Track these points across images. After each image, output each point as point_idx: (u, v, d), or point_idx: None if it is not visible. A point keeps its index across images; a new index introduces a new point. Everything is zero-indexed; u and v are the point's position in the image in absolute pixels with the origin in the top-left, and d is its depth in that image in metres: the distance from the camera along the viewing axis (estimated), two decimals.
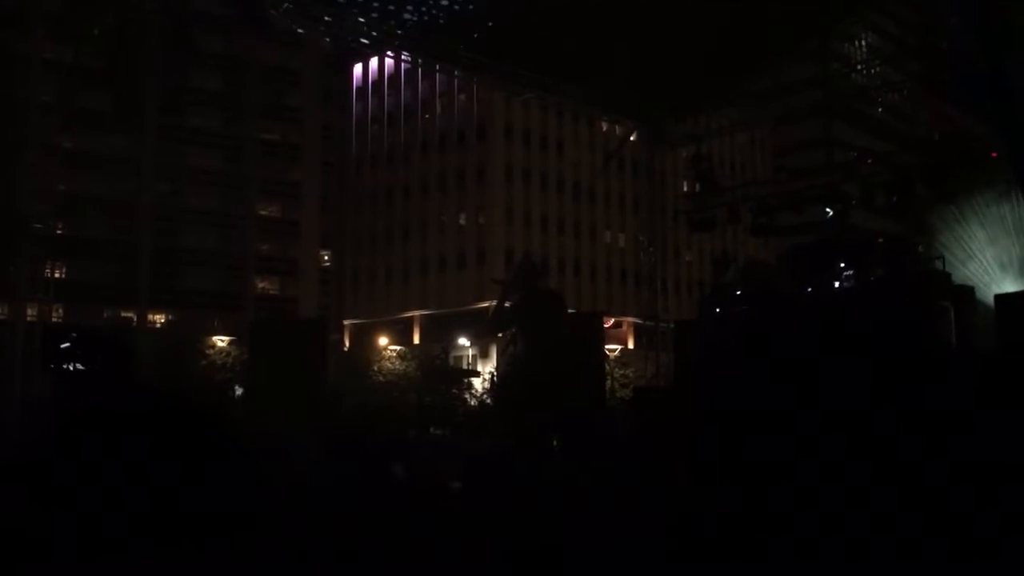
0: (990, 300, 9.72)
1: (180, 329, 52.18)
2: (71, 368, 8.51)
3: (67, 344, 8.60)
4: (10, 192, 47.44)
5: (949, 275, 10.69)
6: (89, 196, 52.39)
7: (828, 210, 15.05)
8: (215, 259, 58.08)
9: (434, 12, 10.09)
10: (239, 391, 24.79)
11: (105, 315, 52.74)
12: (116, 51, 46.39)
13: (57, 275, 37.71)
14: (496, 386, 19.88)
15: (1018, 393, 4.96)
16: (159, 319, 56.15)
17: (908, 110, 76.29)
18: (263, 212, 62.05)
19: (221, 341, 51.01)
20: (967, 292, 10.44)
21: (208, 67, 57.49)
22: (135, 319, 54.23)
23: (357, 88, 70.75)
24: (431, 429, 15.54)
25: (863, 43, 70.41)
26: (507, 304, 7.48)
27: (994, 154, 12.83)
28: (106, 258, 52.86)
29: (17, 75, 49.62)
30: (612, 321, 52.93)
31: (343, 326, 65.46)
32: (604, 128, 56.19)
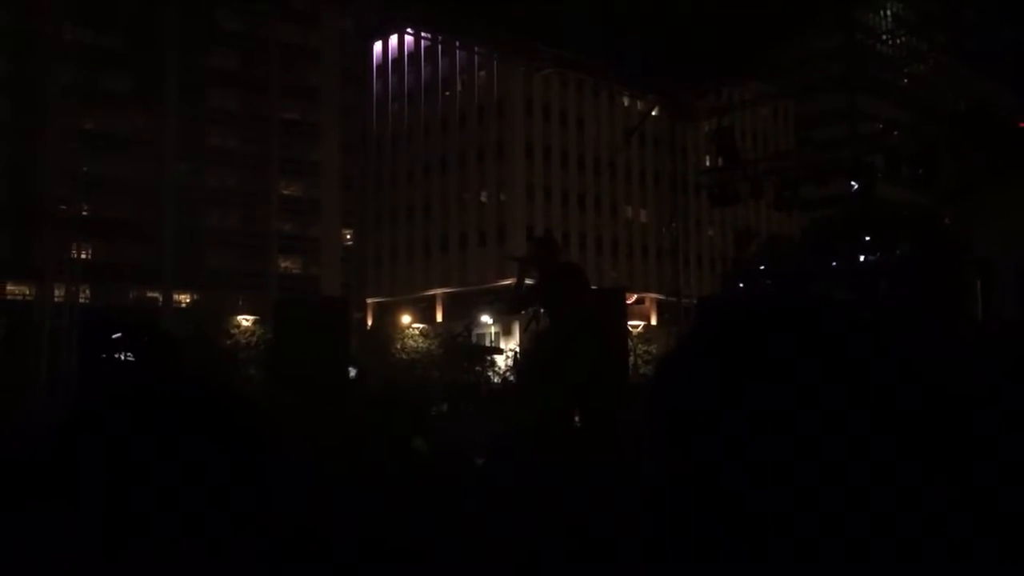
0: (1015, 272, 9.60)
1: (205, 308, 52.63)
2: (123, 358, 8.65)
3: (119, 335, 8.73)
4: (34, 175, 47.89)
5: (975, 247, 10.57)
6: (112, 177, 52.77)
7: (853, 183, 14.88)
8: (238, 239, 58.41)
9: None
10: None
11: (131, 295, 53.27)
12: (136, 32, 46.54)
13: (83, 256, 38.04)
14: (518, 364, 19.92)
15: None
16: (184, 299, 56.62)
17: (934, 80, 75.24)
18: (284, 191, 62.26)
19: (246, 320, 51.43)
20: (994, 264, 10.31)
21: (227, 46, 57.56)
22: (160, 299, 54.73)
23: (377, 66, 70.64)
24: (456, 407, 15.61)
25: (887, 13, 69.37)
26: (527, 281, 7.46)
27: (1021, 123, 12.64)
28: (131, 239, 53.27)
29: (38, 58, 49.90)
30: (635, 297, 52.80)
31: (366, 304, 65.74)
32: (625, 103, 55.81)
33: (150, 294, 55.03)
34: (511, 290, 8.35)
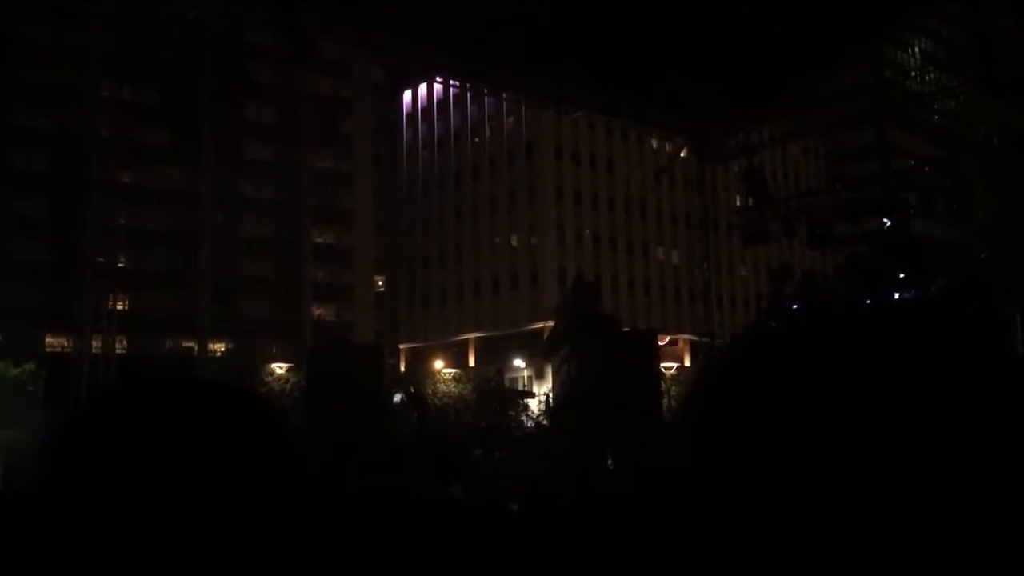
0: None
1: (240, 357, 53.00)
2: None
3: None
4: (75, 228, 48.82)
5: (1012, 281, 10.40)
6: (149, 229, 53.68)
7: (886, 219, 14.73)
8: (272, 287, 58.99)
9: (480, 37, 10.16)
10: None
11: (167, 345, 53.84)
12: (172, 86, 47.58)
13: (120, 307, 38.60)
14: (552, 407, 19.81)
15: None
16: (219, 348, 57.10)
17: (966, 115, 74.66)
18: (318, 239, 62.92)
19: (280, 368, 51.69)
20: None
21: (262, 98, 58.68)
22: (196, 348, 55.25)
23: (407, 114, 71.56)
24: (490, 451, 15.50)
25: (916, 49, 69.19)
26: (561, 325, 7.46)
27: None
28: (167, 289, 53.99)
29: (78, 113, 51.13)
30: (668, 339, 52.47)
31: (399, 350, 65.89)
32: (654, 144, 55.97)
33: (186, 343, 55.58)
34: (547, 334, 8.37)
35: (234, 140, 57.24)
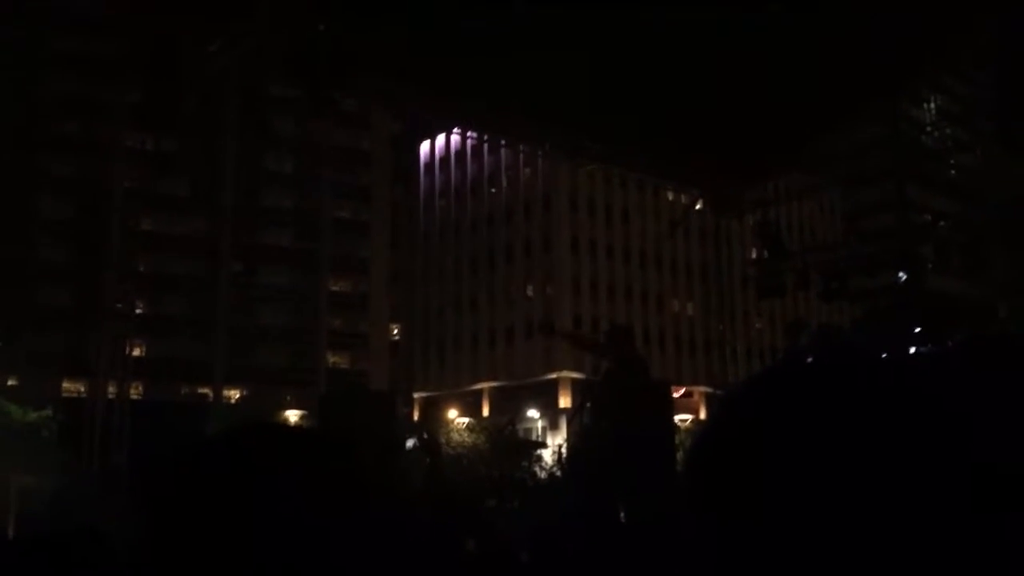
0: None
1: (254, 404, 53.02)
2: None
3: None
4: (96, 275, 49.30)
5: None
6: (168, 276, 54.13)
7: (901, 274, 14.70)
8: (288, 335, 59.18)
9: (499, 90, 10.32)
10: None
11: (183, 391, 53.95)
12: (195, 136, 48.32)
13: (136, 352, 38.79)
14: (565, 459, 19.68)
15: None
16: (234, 395, 57.15)
17: (981, 170, 74.73)
18: (334, 288, 63.23)
19: (294, 416, 51.63)
20: None
21: (282, 148, 59.49)
22: (211, 395, 55.32)
23: (424, 165, 72.28)
24: (503, 502, 15.41)
25: (932, 105, 69.52)
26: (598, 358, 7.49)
27: None
28: (184, 336, 54.25)
29: (101, 162, 51.95)
30: (683, 391, 52.14)
31: (413, 398, 65.74)
32: (670, 196, 56.18)
33: (201, 390, 55.67)
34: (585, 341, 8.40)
35: (253, 190, 57.90)
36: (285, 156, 60.40)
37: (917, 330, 9.79)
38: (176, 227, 55.36)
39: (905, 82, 13.26)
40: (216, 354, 55.55)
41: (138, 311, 50.55)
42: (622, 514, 6.87)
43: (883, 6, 8.73)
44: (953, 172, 72.43)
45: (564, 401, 54.53)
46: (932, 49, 10.78)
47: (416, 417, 61.29)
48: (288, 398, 55.55)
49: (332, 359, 62.06)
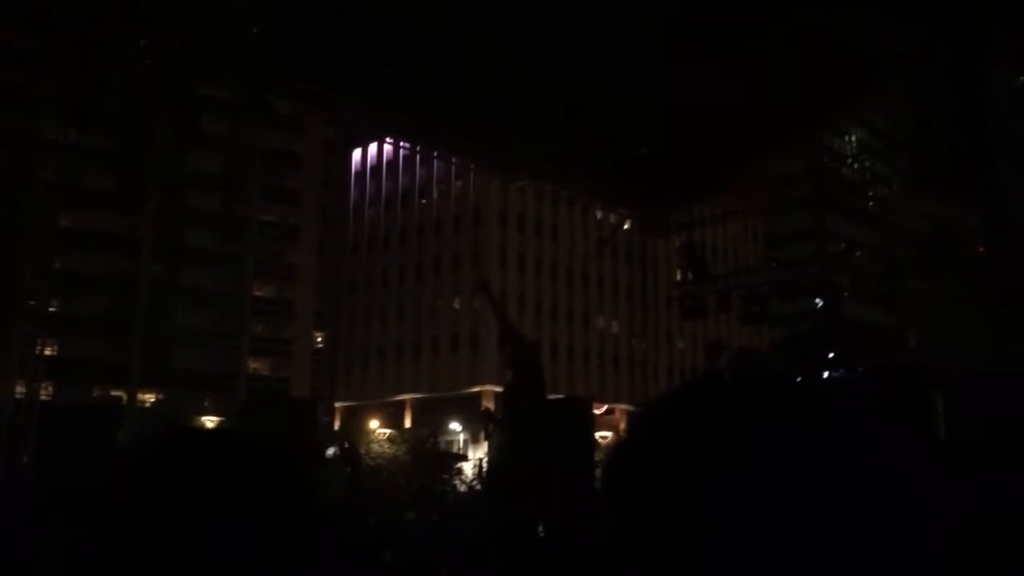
0: (979, 387, 9.75)
1: (170, 409, 51.76)
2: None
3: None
4: (9, 270, 47.60)
5: (939, 364, 10.75)
6: (85, 274, 52.60)
7: (818, 300, 15.14)
8: (208, 339, 57.97)
9: (433, 103, 10.35)
10: None
11: (95, 393, 52.36)
12: (121, 133, 47.10)
13: (48, 352, 37.55)
14: (485, 473, 19.70)
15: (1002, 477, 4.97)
16: (149, 398, 55.72)
17: (899, 202, 77.34)
18: (258, 292, 62.22)
19: (211, 422, 50.55)
20: (956, 380, 10.46)
21: (210, 148, 58.39)
22: (125, 398, 53.81)
23: (356, 172, 71.75)
24: (424, 515, 15.33)
25: (853, 138, 71.81)
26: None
27: (982, 248, 13.01)
28: (99, 336, 52.73)
29: (20, 154, 50.27)
30: (604, 408, 52.63)
31: (334, 407, 64.96)
32: (598, 215, 56.86)
33: (114, 392, 54.13)
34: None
35: (179, 189, 56.71)
36: (213, 156, 59.28)
37: (831, 355, 10.11)
38: (96, 224, 53.84)
39: (827, 115, 13.72)
40: (132, 356, 54.12)
41: (52, 309, 49.04)
42: (540, 528, 6.92)
43: (807, 44, 9.05)
44: (871, 204, 74.90)
45: None
46: (853, 85, 11.19)
47: (337, 426, 60.57)
48: (206, 403, 54.37)
49: (253, 365, 61.00)
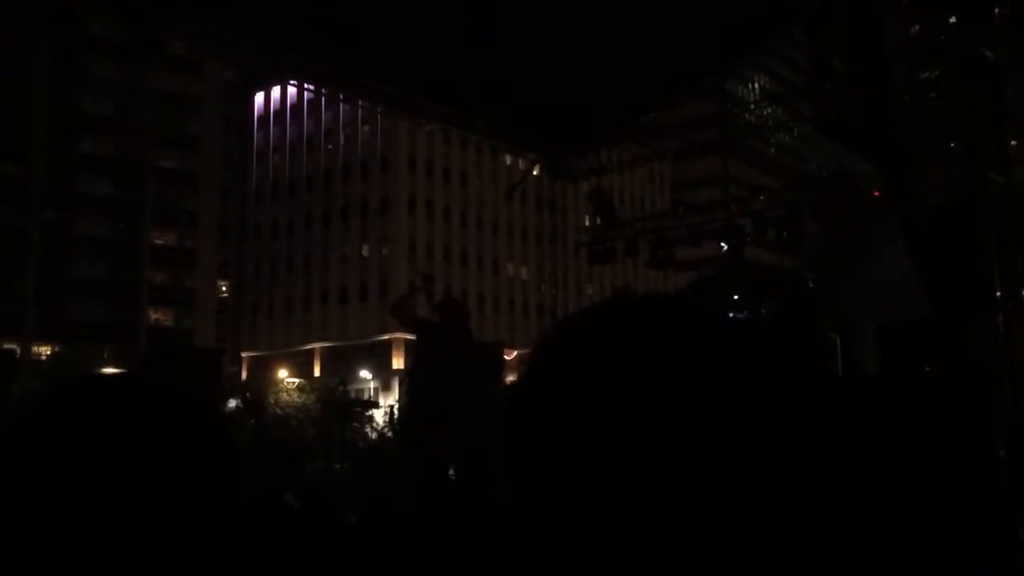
0: (871, 330, 10.12)
1: (68, 360, 50.10)
2: None
3: None
4: None
5: (836, 307, 11.08)
6: None
7: (723, 244, 15.41)
8: (106, 289, 56.10)
9: (338, 44, 10.05)
10: None
11: None
12: (3, 75, 44.69)
13: None
14: (396, 418, 19.71)
15: (901, 417, 5.16)
16: (45, 351, 53.80)
17: (798, 149, 79.34)
18: (158, 241, 60.34)
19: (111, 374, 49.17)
20: (853, 323, 10.83)
21: (102, 91, 55.84)
22: (18, 351, 51.81)
23: (259, 117, 69.75)
24: (333, 463, 15.26)
25: (755, 85, 73.08)
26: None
27: (876, 192, 13.40)
28: None
29: None
30: (515, 353, 53.10)
31: (241, 358, 63.92)
32: (508, 161, 56.72)
33: (7, 345, 52.06)
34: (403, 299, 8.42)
35: (69, 133, 54.23)
36: (106, 99, 56.76)
37: (736, 298, 10.34)
38: None
39: (729, 61, 13.85)
40: (25, 308, 52.02)
41: None
42: (451, 473, 6.94)
43: None
44: (773, 150, 76.63)
45: (397, 362, 54.46)
46: (755, 30, 11.30)
47: (244, 377, 59.68)
48: (105, 355, 52.81)
49: (155, 316, 59.41)
